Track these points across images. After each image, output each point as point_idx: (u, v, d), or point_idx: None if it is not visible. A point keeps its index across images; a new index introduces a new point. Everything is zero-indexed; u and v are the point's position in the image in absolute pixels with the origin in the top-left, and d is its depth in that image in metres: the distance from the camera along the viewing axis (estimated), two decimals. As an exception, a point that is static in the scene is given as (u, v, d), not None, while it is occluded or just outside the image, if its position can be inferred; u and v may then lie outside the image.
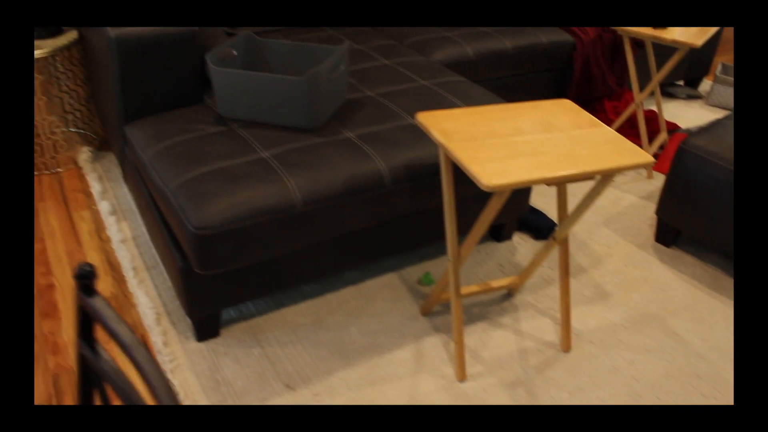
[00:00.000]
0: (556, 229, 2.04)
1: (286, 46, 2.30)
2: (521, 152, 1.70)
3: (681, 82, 4.24)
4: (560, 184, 1.93)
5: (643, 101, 3.15)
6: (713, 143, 2.51)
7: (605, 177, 1.81)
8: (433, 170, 2.05)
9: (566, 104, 2.01)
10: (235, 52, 2.25)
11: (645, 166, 1.76)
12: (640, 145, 3.28)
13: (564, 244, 2.07)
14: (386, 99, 2.32)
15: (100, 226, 2.56)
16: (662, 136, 3.34)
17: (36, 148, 2.81)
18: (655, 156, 3.30)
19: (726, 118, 2.71)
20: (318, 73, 1.98)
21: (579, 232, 2.72)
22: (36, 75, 2.65)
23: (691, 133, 2.61)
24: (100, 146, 3.03)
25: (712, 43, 4.06)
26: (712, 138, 2.53)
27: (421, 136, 2.11)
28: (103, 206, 2.64)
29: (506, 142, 1.74)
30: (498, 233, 2.55)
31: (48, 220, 2.58)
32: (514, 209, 2.42)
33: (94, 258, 2.39)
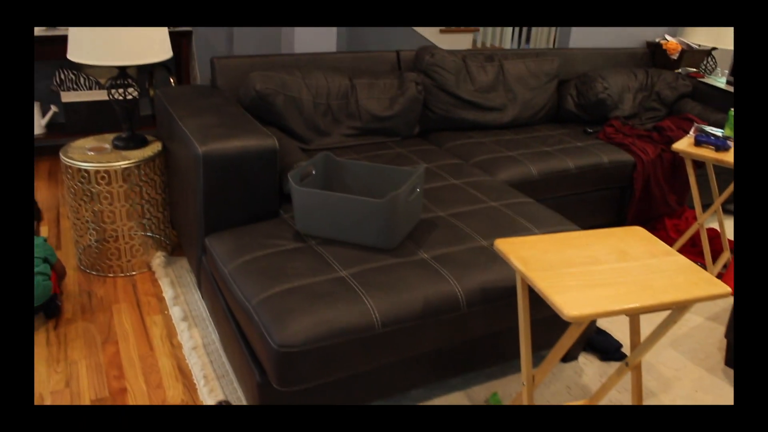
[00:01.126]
0: (629, 355, 2.03)
1: (364, 166, 2.40)
2: (599, 282, 1.74)
3: (740, 199, 4.25)
4: (639, 314, 1.95)
5: (705, 221, 3.17)
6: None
7: (681, 308, 1.82)
8: (506, 293, 2.09)
9: (638, 232, 2.05)
10: (313, 171, 2.37)
11: (723, 296, 1.77)
12: (704, 265, 3.27)
13: (636, 370, 2.07)
14: (457, 220, 2.40)
15: (172, 331, 2.63)
16: (726, 255, 3.33)
17: (114, 252, 2.93)
18: (719, 276, 3.29)
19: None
20: (397, 196, 2.07)
21: (646, 355, 2.69)
22: (121, 183, 2.80)
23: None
24: (173, 251, 3.15)
25: (771, 162, 4.08)
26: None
27: (493, 258, 2.16)
28: (175, 312, 2.72)
29: (583, 271, 1.78)
30: (565, 354, 2.55)
31: (122, 322, 2.66)
32: (583, 330, 2.43)
33: (165, 363, 2.45)
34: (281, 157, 2.60)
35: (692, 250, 3.44)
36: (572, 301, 1.62)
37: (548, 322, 2.34)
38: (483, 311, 2.05)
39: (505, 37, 6.51)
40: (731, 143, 3.08)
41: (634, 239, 2.00)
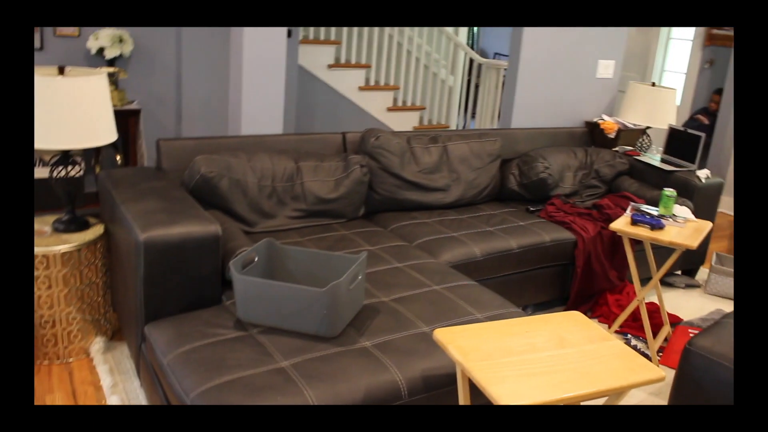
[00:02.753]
0: (571, 440, 2.04)
1: (306, 253, 2.41)
2: (537, 371, 1.75)
3: (679, 272, 4.36)
4: (576, 402, 1.96)
5: (644, 296, 3.24)
6: (719, 344, 2.56)
7: (618, 394, 1.85)
8: (448, 380, 2.09)
9: (576, 317, 2.09)
10: (256, 258, 2.36)
11: (657, 381, 1.81)
12: (645, 338, 3.33)
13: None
14: (400, 305, 2.41)
15: (110, 423, 2.55)
16: (666, 329, 3.40)
17: (50, 338, 2.85)
18: (660, 349, 3.34)
19: (727, 316, 2.78)
20: (338, 285, 2.08)
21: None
22: (60, 268, 2.75)
23: (692, 324, 2.68)
24: (113, 335, 3.07)
25: (707, 235, 4.22)
26: (718, 339, 2.59)
27: (435, 345, 2.17)
28: (113, 401, 2.64)
29: (522, 359, 1.80)
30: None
31: (57, 416, 2.57)
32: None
33: (102, 459, 2.36)
34: (224, 242, 2.59)
35: (634, 325, 3.50)
36: (509, 391, 1.64)
37: (492, 406, 2.34)
38: (425, 399, 2.04)
39: (451, 113, 6.68)
40: (665, 222, 3.19)
41: (573, 324, 2.04)
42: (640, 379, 1.79)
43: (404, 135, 3.58)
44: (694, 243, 2.99)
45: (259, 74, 3.42)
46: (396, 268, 2.75)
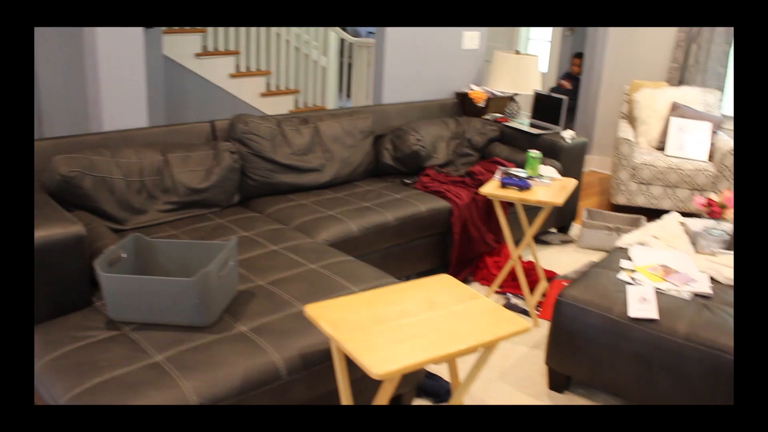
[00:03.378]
0: (452, 397, 2.11)
1: (175, 244, 2.36)
2: (407, 335, 1.80)
3: (554, 230, 4.57)
4: (446, 361, 2.03)
5: (520, 255, 3.38)
6: (586, 292, 2.71)
7: (487, 348, 1.92)
8: (327, 356, 2.12)
9: (446, 280, 2.15)
10: (124, 254, 2.30)
11: (522, 332, 1.90)
12: (524, 296, 3.48)
13: (460, 412, 2.15)
14: (276, 287, 2.41)
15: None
16: (542, 285, 3.56)
17: None
18: (539, 304, 3.50)
19: (595, 266, 2.94)
20: (208, 273, 2.05)
21: (476, 390, 2.80)
22: None
23: (566, 277, 2.82)
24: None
25: (575, 191, 4.44)
26: (585, 287, 2.74)
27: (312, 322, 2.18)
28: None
29: (392, 326, 1.84)
30: (398, 403, 2.60)
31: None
32: (412, 377, 2.49)
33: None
34: (90, 242, 2.50)
35: (513, 284, 3.65)
36: (380, 359, 1.67)
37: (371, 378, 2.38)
38: (305, 377, 2.06)
39: (327, 95, 6.68)
40: (533, 182, 3.32)
41: (442, 287, 2.10)
42: (507, 331, 1.87)
43: (274, 119, 3.56)
44: (560, 200, 3.14)
45: (117, 68, 3.30)
46: (272, 251, 2.74)
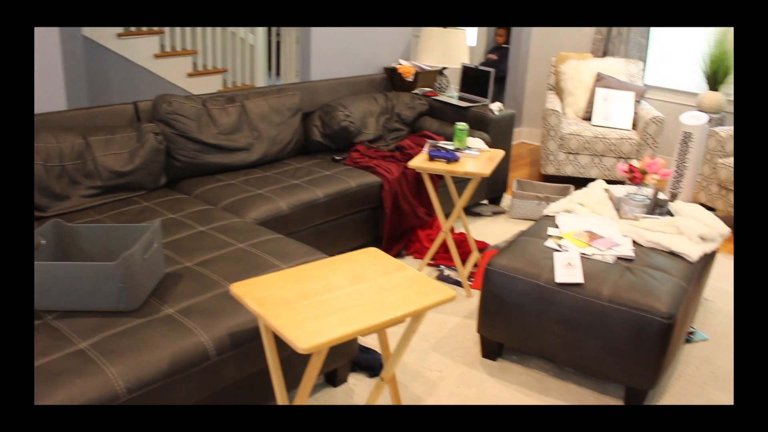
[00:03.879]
0: (383, 369, 2.14)
1: (97, 229, 2.31)
2: (334, 309, 1.81)
3: (485, 201, 4.63)
4: (374, 333, 2.05)
5: (452, 227, 3.42)
6: (514, 260, 2.76)
7: (415, 317, 1.95)
8: (256, 334, 2.11)
9: (373, 252, 2.17)
10: (43, 241, 2.23)
11: (448, 300, 1.93)
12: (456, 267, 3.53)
13: (392, 382, 2.18)
14: (204, 268, 2.38)
15: None
16: (474, 256, 3.62)
17: None
18: (471, 275, 3.55)
19: (523, 234, 3.00)
20: (130, 255, 2.01)
21: (411, 361, 2.84)
22: None
23: (497, 247, 2.87)
24: None
25: (504, 161, 4.51)
26: (513, 255, 2.79)
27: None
28: None
29: (319, 300, 1.85)
30: (333, 378, 2.61)
31: None
32: (345, 352, 2.51)
33: None
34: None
35: (446, 256, 3.69)
36: (306, 333, 1.68)
37: (302, 355, 2.38)
38: (234, 357, 2.05)
39: (255, 73, 6.58)
40: (460, 154, 3.36)
41: (369, 260, 2.11)
42: (433, 300, 1.90)
43: (199, 98, 3.49)
44: (487, 171, 3.18)
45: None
46: (200, 232, 2.71)
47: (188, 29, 6.11)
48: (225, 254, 2.50)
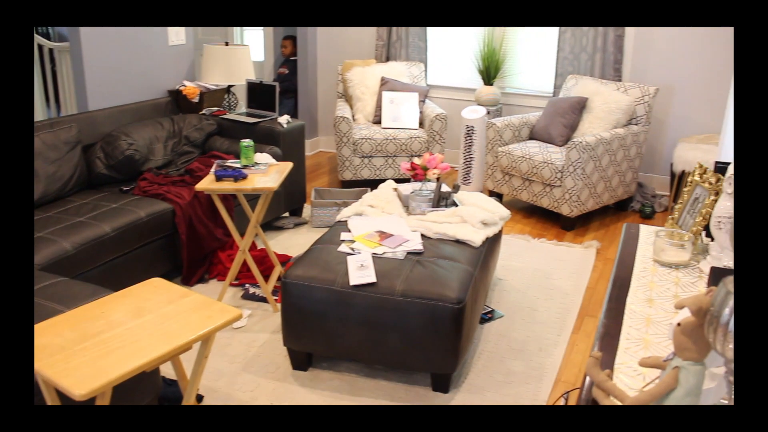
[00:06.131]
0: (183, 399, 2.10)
1: None
2: (114, 347, 1.75)
3: (286, 214, 4.67)
4: (160, 365, 2.01)
5: (255, 244, 3.41)
6: (310, 269, 2.81)
7: (204, 342, 1.93)
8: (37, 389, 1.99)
9: (155, 283, 2.12)
10: None
11: (234, 320, 1.93)
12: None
13: (194, 411, 2.14)
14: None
15: None
16: (277, 270, 3.64)
17: None
18: (275, 290, 3.57)
19: (316, 242, 3.05)
20: None
21: (221, 386, 2.80)
22: None
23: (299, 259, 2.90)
24: None
25: (300, 172, 4.57)
26: (308, 264, 2.84)
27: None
28: None
29: (98, 341, 1.78)
30: (138, 417, 2.52)
31: None
32: (147, 389, 2.43)
33: None
34: None
35: (249, 274, 3.68)
36: (82, 378, 1.61)
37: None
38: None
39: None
40: (248, 171, 3.36)
41: (151, 291, 2.07)
42: (218, 323, 1.90)
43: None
44: (276, 184, 3.21)
45: None
46: (-32, 287, 2.50)
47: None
48: (-2, 307, 2.32)
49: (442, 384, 2.81)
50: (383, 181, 5.34)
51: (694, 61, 5.11)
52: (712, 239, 1.95)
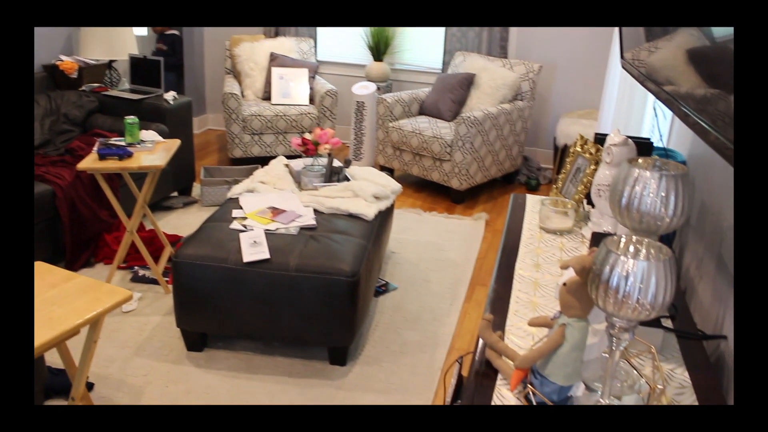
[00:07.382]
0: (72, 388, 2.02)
1: None
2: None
3: (175, 193, 4.54)
4: (43, 353, 1.92)
5: (143, 224, 3.30)
6: (201, 248, 2.75)
7: (92, 326, 1.86)
8: None
9: (37, 267, 2.02)
10: None
11: (126, 302, 1.87)
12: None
13: (85, 400, 2.06)
14: None
15: None
16: (167, 250, 3.54)
17: None
18: (166, 270, 3.47)
19: (208, 220, 2.99)
20: None
21: (113, 372, 2.71)
22: None
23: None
24: None
25: (188, 150, 4.45)
26: (200, 243, 2.78)
27: None
28: None
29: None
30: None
31: None
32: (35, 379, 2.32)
33: None
34: None
35: (138, 256, 3.56)
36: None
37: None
38: None
39: None
40: (134, 149, 3.24)
41: (34, 276, 1.97)
42: (106, 305, 1.83)
43: None
44: (163, 162, 3.11)
45: None
46: None
47: None
48: None
49: (339, 357, 2.83)
50: (274, 158, 5.28)
51: (575, 41, 5.32)
52: (593, 206, 2.05)
